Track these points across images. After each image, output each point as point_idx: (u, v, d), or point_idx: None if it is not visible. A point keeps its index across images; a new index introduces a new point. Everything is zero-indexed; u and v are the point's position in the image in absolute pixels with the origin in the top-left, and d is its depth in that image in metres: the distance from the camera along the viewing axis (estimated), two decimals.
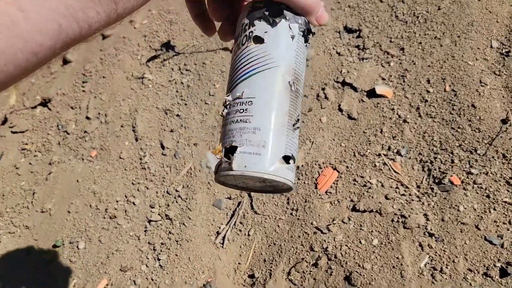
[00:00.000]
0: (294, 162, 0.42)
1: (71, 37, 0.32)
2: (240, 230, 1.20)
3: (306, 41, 0.44)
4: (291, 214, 1.17)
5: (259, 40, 0.43)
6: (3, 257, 1.29)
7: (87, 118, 1.50)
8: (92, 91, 1.56)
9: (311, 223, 1.13)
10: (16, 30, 0.28)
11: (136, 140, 1.40)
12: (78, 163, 1.42)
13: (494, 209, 1.03)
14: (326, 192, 1.18)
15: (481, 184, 1.06)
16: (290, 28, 0.43)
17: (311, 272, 1.07)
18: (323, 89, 1.32)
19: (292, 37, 0.43)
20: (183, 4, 1.63)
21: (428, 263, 1.01)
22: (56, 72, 1.65)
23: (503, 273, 0.95)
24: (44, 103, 1.59)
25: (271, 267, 1.11)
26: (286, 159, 0.41)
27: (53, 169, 1.43)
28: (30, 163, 1.48)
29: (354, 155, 1.21)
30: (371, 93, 1.28)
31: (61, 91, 1.60)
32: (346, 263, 1.05)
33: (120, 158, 1.38)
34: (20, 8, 0.28)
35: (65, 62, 1.66)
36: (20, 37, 0.29)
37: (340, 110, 1.28)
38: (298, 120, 0.43)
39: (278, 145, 0.41)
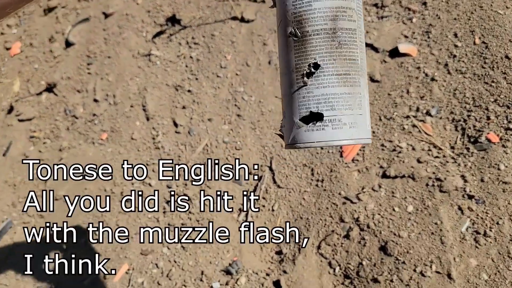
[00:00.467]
0: (321, 119, 0.35)
1: None
2: (264, 206, 1.14)
3: None
4: (317, 185, 1.11)
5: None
6: (20, 246, 1.25)
7: (95, 100, 1.44)
8: (98, 72, 1.49)
9: (339, 193, 1.07)
10: None
11: (148, 119, 1.34)
12: (89, 147, 1.36)
13: None
14: (352, 160, 1.11)
15: None
16: None
17: (343, 245, 1.01)
18: None
19: None
20: None
21: (470, 227, 0.94)
22: (60, 56, 1.58)
23: None
24: (50, 88, 1.53)
25: (299, 241, 1.05)
26: (306, 119, 0.36)
27: (63, 155, 1.37)
28: (40, 151, 1.42)
29: (380, 119, 1.13)
30: (394, 53, 1.19)
31: (66, 75, 1.53)
32: (380, 233, 0.98)
33: (132, 139, 1.32)
34: None
35: (68, 44, 1.59)
36: None
37: None
38: (316, 64, 0.35)
39: (291, 108, 0.37)
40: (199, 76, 1.35)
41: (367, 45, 1.23)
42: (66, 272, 1.17)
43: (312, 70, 0.35)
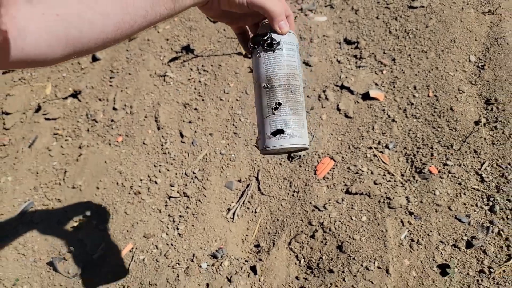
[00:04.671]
0: (283, 132, 0.63)
1: (150, 21, 0.56)
2: (248, 208, 1.39)
3: (267, 51, 0.65)
4: (293, 195, 1.37)
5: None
6: (39, 224, 1.47)
7: (114, 109, 1.70)
8: (118, 85, 1.76)
9: (310, 203, 1.33)
10: (128, 9, 0.52)
11: (158, 129, 1.60)
12: (106, 147, 1.61)
13: (464, 194, 1.22)
14: (323, 177, 1.37)
15: (454, 173, 1.26)
16: (258, 52, 0.66)
17: (309, 242, 1.26)
18: (324, 91, 1.52)
19: (258, 56, 0.66)
20: (202, 13, 1.84)
21: (407, 236, 1.20)
22: (86, 68, 1.85)
23: (469, 245, 1.15)
24: (75, 94, 1.78)
25: (275, 238, 1.30)
26: (275, 133, 0.64)
27: (83, 152, 1.62)
28: (62, 146, 1.66)
29: (349, 148, 1.40)
30: (366, 96, 1.48)
31: (90, 84, 1.79)
32: (339, 235, 1.24)
33: (144, 144, 1.57)
34: None
35: (94, 59, 1.86)
36: (128, 14, 0.52)
37: (338, 109, 1.48)
38: (280, 103, 0.64)
39: (265, 128, 0.65)
40: (205, 98, 1.62)
41: (345, 87, 1.51)
42: (76, 248, 1.40)
43: (277, 106, 0.63)
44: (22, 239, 1.46)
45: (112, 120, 1.67)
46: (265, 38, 0.64)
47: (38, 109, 1.79)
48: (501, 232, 1.14)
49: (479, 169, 1.25)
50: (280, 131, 0.62)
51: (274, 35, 0.64)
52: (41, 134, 1.72)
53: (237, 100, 1.59)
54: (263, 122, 0.65)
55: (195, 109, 1.61)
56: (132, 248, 1.35)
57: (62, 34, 0.49)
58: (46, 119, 1.75)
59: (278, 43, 0.64)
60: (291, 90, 0.64)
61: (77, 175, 1.57)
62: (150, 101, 1.68)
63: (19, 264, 1.42)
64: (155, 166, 1.52)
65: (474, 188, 1.23)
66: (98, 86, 1.78)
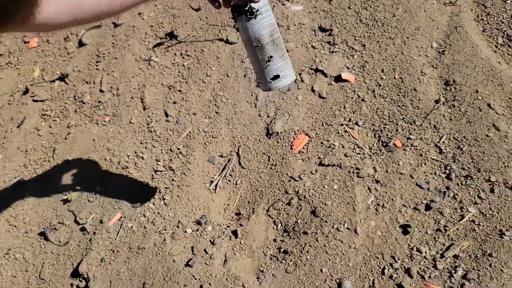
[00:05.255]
0: (279, 77, 0.80)
1: (137, 2, 0.69)
2: (229, 180, 1.49)
3: (250, 19, 0.79)
4: (271, 168, 1.48)
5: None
6: (29, 198, 1.55)
7: (101, 91, 1.78)
8: (105, 69, 1.84)
9: (287, 174, 1.44)
10: None
11: (144, 109, 1.69)
12: (94, 126, 1.69)
13: (425, 164, 1.36)
14: (299, 152, 1.49)
15: (416, 146, 1.40)
16: (242, 19, 0.81)
17: (285, 209, 1.38)
18: (300, 74, 1.64)
19: (244, 23, 0.81)
20: (185, 2, 1.93)
21: (374, 201, 1.33)
22: (73, 53, 1.92)
23: (427, 207, 1.28)
24: (62, 77, 1.86)
25: (254, 206, 1.41)
26: (273, 78, 0.81)
27: (71, 131, 1.69)
28: (50, 126, 1.74)
29: (322, 125, 1.53)
30: (338, 78, 1.61)
31: (77, 68, 1.87)
32: (313, 201, 1.36)
33: (130, 123, 1.66)
34: None
35: (81, 44, 1.94)
36: None
37: (313, 90, 1.60)
38: (271, 56, 0.80)
39: (264, 76, 0.83)
40: (189, 80, 1.72)
41: (319, 70, 1.64)
42: (67, 219, 1.49)
43: (269, 59, 0.76)
44: (13, 212, 1.53)
45: (99, 102, 1.75)
46: (246, 9, 0.77)
47: (26, 92, 1.86)
48: (455, 196, 1.29)
49: (438, 142, 1.39)
50: (276, 76, 0.81)
51: (252, 4, 0.77)
52: (29, 115, 1.79)
53: (218, 82, 1.70)
54: (262, 72, 0.82)
55: (179, 90, 1.71)
56: (120, 217, 1.44)
57: (67, 4, 0.61)
58: (34, 101, 1.82)
59: (258, 10, 0.77)
60: (276, 43, 0.80)
61: (66, 153, 1.64)
62: (135, 83, 1.77)
63: (11, 235, 1.49)
64: (141, 143, 1.61)
65: (433, 159, 1.37)
66: (85, 70, 1.86)
